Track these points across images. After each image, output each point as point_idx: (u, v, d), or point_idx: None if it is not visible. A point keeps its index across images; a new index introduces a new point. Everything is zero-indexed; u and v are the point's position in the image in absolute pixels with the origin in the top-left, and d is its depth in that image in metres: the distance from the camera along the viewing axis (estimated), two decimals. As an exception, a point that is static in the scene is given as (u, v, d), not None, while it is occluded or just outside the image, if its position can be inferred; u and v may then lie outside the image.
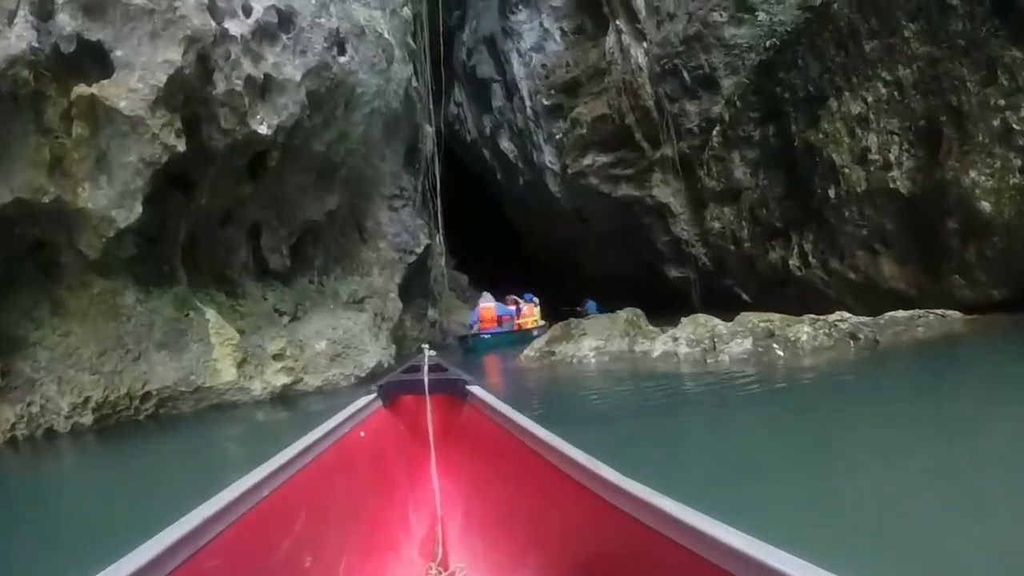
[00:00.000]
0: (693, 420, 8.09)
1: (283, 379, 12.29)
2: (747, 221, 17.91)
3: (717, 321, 12.76)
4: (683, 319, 13.10)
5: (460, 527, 2.89)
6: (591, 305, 28.14)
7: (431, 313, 20.78)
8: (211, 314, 11.82)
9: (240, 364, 11.89)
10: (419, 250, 18.73)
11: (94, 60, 10.07)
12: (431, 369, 3.32)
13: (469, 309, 26.78)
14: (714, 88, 22.47)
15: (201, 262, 12.87)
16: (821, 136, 16.20)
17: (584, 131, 25.07)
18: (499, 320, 22.13)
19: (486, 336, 20.87)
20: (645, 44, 23.91)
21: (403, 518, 2.93)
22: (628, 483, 1.81)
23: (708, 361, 11.60)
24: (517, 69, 27.34)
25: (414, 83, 18.65)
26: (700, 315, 12.98)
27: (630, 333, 13.23)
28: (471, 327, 21.86)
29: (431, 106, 21.45)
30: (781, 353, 11.40)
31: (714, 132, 19.22)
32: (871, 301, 15.08)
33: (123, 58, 9.92)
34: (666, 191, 24.09)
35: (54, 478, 8.95)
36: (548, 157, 26.82)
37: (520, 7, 26.90)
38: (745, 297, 22.72)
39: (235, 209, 13.10)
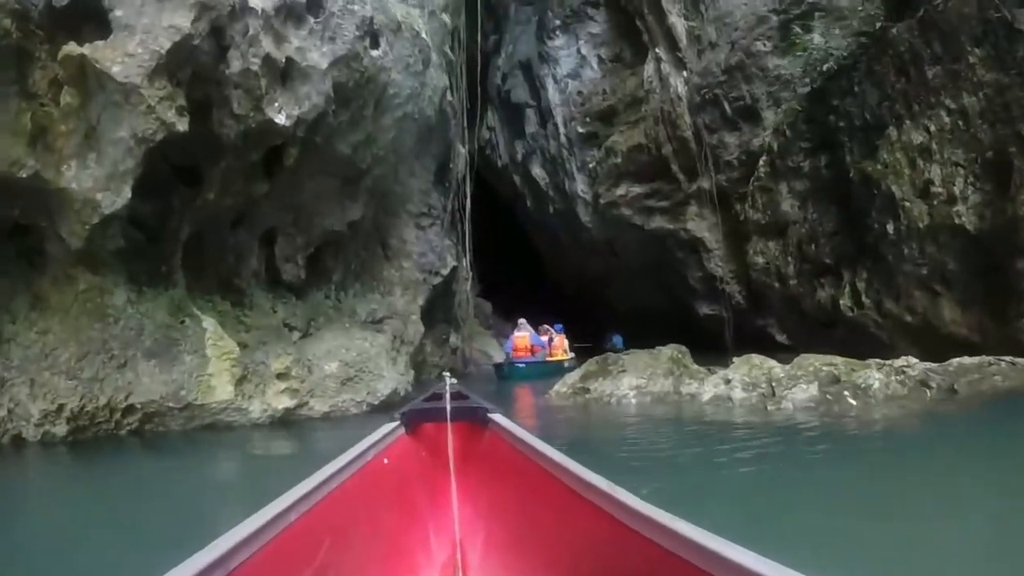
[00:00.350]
0: (771, 479, 6.41)
1: (286, 401, 10.46)
2: (794, 257, 16.13)
3: (773, 363, 10.95)
4: (735, 359, 11.28)
5: (480, 552, 2.80)
6: (617, 340, 26.29)
7: (453, 339, 19.03)
8: (209, 323, 10.05)
9: (239, 381, 10.08)
10: (445, 272, 17.02)
11: (92, 20, 8.44)
12: (453, 397, 3.24)
13: (492, 337, 24.99)
14: (755, 120, 20.77)
15: (206, 266, 11.17)
16: (880, 167, 14.45)
17: (618, 160, 23.41)
18: (532, 350, 20.56)
19: (521, 365, 19.57)
20: (685, 73, 22.28)
21: (424, 543, 2.86)
22: (647, 507, 1.75)
23: (769, 408, 9.77)
24: (552, 95, 25.78)
25: (449, 97, 17.13)
26: (754, 356, 11.15)
27: (675, 372, 11.35)
28: (506, 355, 20.59)
29: (464, 124, 19.90)
30: (853, 402, 9.57)
31: (760, 162, 17.48)
32: (928, 346, 13.29)
33: (123, 19, 8.28)
34: (701, 225, 22.32)
35: (7, 489, 7.57)
36: (580, 186, 25.14)
37: (558, 33, 25.38)
38: (780, 339, 20.88)
39: (248, 211, 11.42)
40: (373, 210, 13.80)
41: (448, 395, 3.23)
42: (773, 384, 10.32)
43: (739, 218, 21.40)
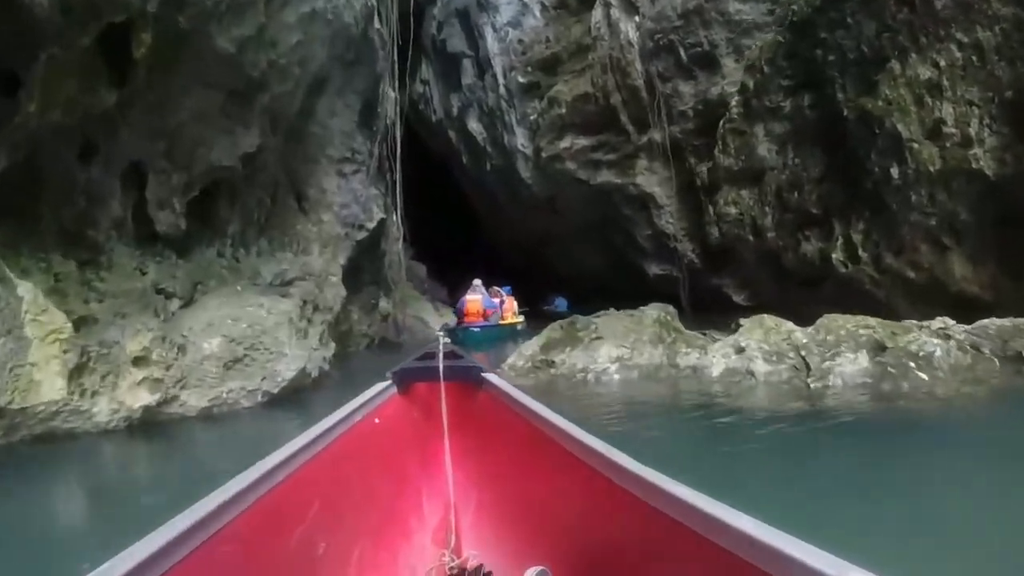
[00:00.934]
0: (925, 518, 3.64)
1: (145, 397, 6.91)
2: (772, 207, 13.29)
3: (791, 325, 8.03)
4: (743, 322, 8.33)
5: (473, 514, 2.59)
6: (560, 302, 23.25)
7: (384, 304, 15.60)
8: (26, 290, 6.37)
9: (75, 372, 6.48)
10: (371, 225, 13.54)
11: None
12: (446, 356, 2.89)
13: (427, 302, 21.63)
14: (713, 67, 17.75)
15: (43, 212, 7.59)
16: (881, 104, 11.58)
17: (563, 111, 20.20)
18: (485, 314, 17.49)
19: (475, 330, 16.59)
20: (637, 18, 19.08)
21: (417, 505, 2.64)
22: (643, 469, 1.64)
23: (811, 386, 6.85)
24: (491, 44, 22.28)
25: (376, 25, 13.64)
26: (767, 317, 8.18)
27: (664, 339, 8.30)
28: (456, 318, 17.88)
29: (395, 68, 16.37)
30: (925, 376, 6.72)
31: (733, 102, 14.48)
32: (933, 306, 10.60)
33: None
34: (651, 179, 19.34)
35: None
36: (520, 140, 21.87)
37: (498, -23, 21.97)
38: (738, 299, 18.17)
39: (100, 136, 7.82)
40: (278, 145, 10.28)
41: (441, 354, 2.85)
42: (803, 353, 7.42)
43: (693, 171, 18.50)
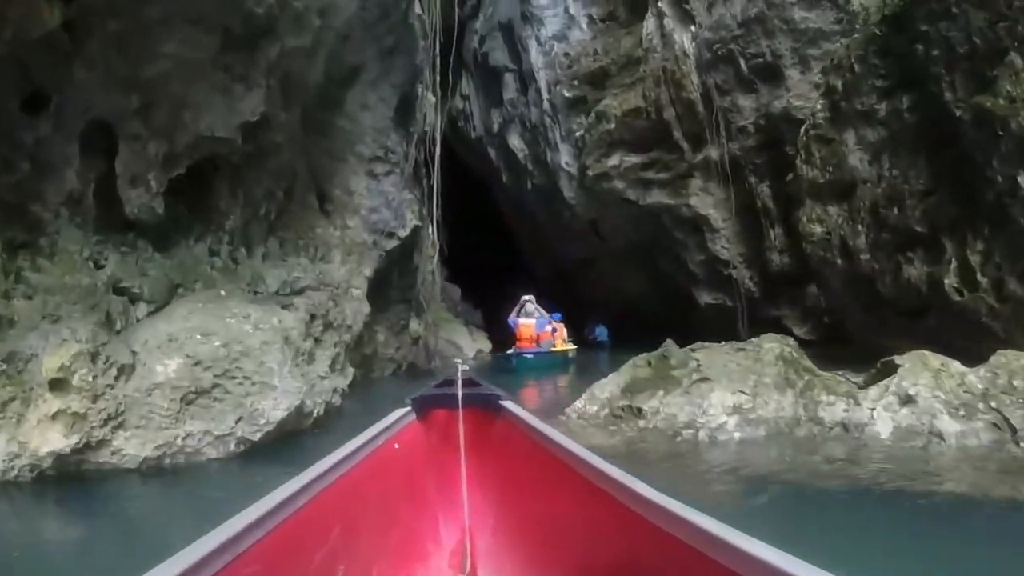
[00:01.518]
0: None
1: (58, 440, 4.41)
2: (866, 224, 10.71)
3: (960, 366, 5.44)
4: (898, 360, 5.62)
5: (489, 539, 2.44)
6: (601, 331, 20.65)
7: (414, 325, 13.10)
8: None
9: None
10: (404, 234, 11.02)
11: None
12: (464, 384, 2.73)
13: (461, 325, 19.15)
14: (777, 79, 15.23)
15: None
16: (1003, 102, 9.04)
17: (611, 126, 17.75)
18: (539, 339, 15.22)
19: (528, 356, 14.64)
20: (692, 28, 16.69)
21: (433, 529, 2.51)
22: (660, 496, 1.50)
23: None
24: (535, 58, 19.94)
25: (418, 10, 11.35)
26: (927, 354, 5.62)
27: (793, 383, 5.62)
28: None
29: (436, 68, 14.05)
30: None
31: (818, 106, 11.92)
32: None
33: None
34: (706, 201, 16.79)
35: None
36: (564, 157, 19.43)
37: (543, -11, 19.71)
38: (798, 332, 15.49)
39: (50, 81, 5.48)
40: (292, 124, 7.85)
41: (460, 381, 2.71)
42: (994, 405, 4.82)
43: (753, 192, 15.90)
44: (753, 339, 6.35)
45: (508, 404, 2.63)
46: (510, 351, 14.98)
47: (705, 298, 17.12)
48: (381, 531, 2.21)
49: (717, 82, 15.91)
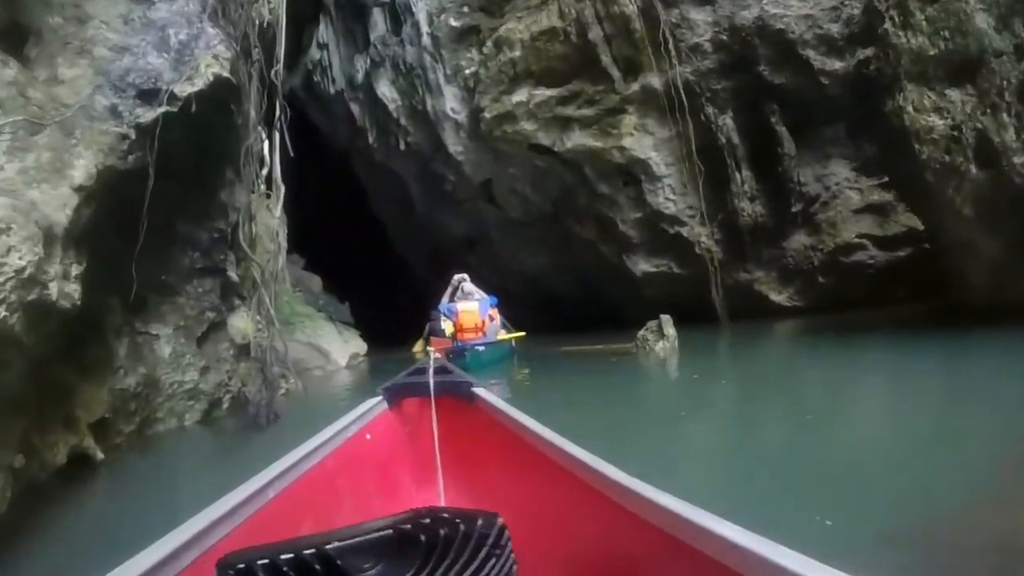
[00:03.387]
0: None
1: None
2: (1016, 114, 5.55)
3: None
4: None
5: None
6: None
7: (239, 322, 6.19)
8: None
9: None
10: (191, 90, 4.10)
11: None
12: (436, 371, 2.21)
13: (327, 322, 12.07)
14: (737, -13, 10.18)
15: None
16: None
17: (515, 54, 11.70)
18: (480, 327, 8.78)
19: (480, 348, 8.37)
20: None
21: None
22: (637, 484, 1.23)
23: None
24: (410, -15, 13.69)
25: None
26: None
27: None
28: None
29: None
30: None
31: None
32: None
33: None
34: (644, 142, 11.15)
35: None
36: (450, 103, 13.04)
37: None
38: (777, 299, 10.32)
39: None
40: None
41: (432, 369, 2.19)
42: None
43: (712, 126, 10.60)
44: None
45: (481, 391, 2.08)
46: (459, 344, 8.43)
47: (643, 266, 11.37)
48: (354, 522, 1.36)
49: (658, -9, 10.50)
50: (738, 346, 8.40)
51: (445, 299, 9.41)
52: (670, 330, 6.55)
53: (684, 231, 10.57)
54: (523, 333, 9.54)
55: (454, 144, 12.68)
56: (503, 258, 14.13)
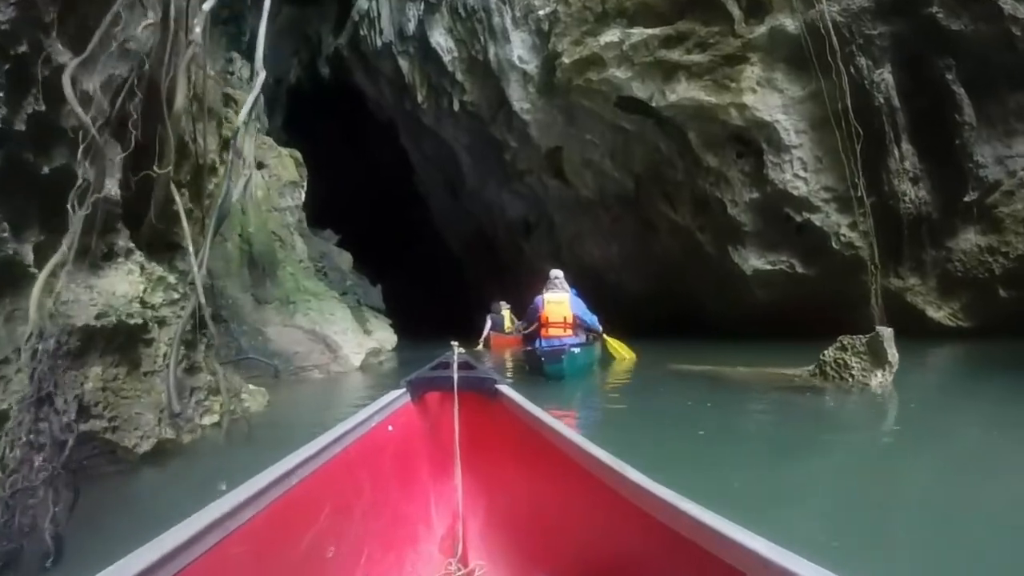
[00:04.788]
0: None
1: None
2: None
3: None
4: None
5: (481, 524, 1.91)
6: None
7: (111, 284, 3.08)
8: None
9: None
10: None
11: None
12: (460, 367, 2.13)
13: (347, 308, 9.55)
14: None
15: None
16: None
17: (605, -11, 9.29)
18: (571, 325, 5.96)
19: (576, 351, 5.62)
20: None
21: (425, 513, 1.96)
22: (654, 486, 1.18)
23: None
24: (474, -88, 11.21)
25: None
26: None
27: None
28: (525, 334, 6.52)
29: None
30: None
31: None
32: None
33: None
34: (770, 100, 8.44)
35: None
36: (517, 50, 10.56)
37: None
38: (935, 315, 7.50)
39: None
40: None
41: (456, 364, 2.12)
42: None
43: (865, 83, 7.81)
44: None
45: (504, 388, 2.00)
46: (544, 343, 6.00)
47: (754, 261, 8.67)
48: (372, 514, 1.69)
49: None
50: (947, 374, 5.55)
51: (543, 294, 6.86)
52: (893, 351, 3.89)
53: (816, 219, 7.83)
54: (633, 356, 6.98)
55: (520, 100, 10.19)
56: (564, 246, 11.55)
